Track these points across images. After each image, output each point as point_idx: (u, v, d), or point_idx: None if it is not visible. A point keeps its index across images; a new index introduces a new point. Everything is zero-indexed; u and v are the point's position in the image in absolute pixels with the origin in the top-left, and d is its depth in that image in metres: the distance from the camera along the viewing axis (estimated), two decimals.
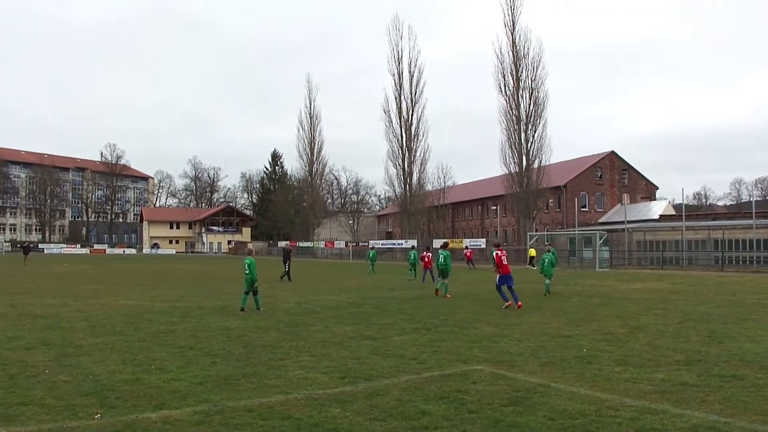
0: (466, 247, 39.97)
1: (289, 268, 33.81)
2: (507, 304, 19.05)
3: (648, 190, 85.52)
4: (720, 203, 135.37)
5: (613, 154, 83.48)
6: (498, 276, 19.52)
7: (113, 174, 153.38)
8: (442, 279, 23.88)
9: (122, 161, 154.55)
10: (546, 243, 53.99)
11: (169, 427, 6.84)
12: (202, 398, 8.10)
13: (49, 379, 9.21)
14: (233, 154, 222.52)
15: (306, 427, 6.84)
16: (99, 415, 7.32)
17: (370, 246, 63.86)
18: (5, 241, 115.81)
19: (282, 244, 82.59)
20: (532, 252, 51.18)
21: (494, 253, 20.37)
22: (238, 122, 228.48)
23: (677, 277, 36.66)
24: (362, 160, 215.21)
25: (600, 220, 76.13)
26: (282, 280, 32.49)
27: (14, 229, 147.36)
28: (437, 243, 76.31)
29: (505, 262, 19.53)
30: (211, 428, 6.81)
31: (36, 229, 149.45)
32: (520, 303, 18.97)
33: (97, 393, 8.37)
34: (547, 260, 24.67)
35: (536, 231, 67.37)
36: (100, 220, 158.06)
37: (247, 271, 18.86)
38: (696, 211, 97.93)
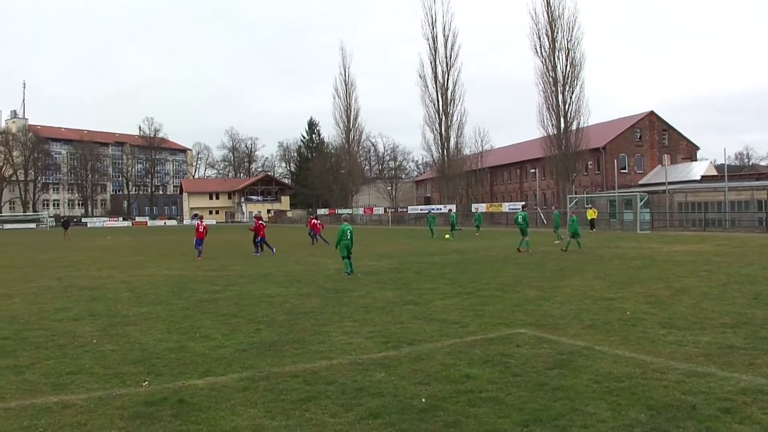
0: (315, 217, 39.73)
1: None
2: (199, 258, 26.50)
3: (689, 151, 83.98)
4: (763, 163, 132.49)
5: (652, 114, 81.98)
6: (195, 239, 27.58)
7: (152, 147, 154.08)
8: (523, 237, 27.87)
9: (160, 135, 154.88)
10: (577, 206, 53.36)
11: (215, 393, 6.94)
12: (247, 365, 8.19)
13: (97, 349, 9.40)
14: (269, 124, 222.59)
15: (351, 391, 6.88)
16: (147, 382, 7.47)
17: (428, 212, 63.23)
18: (49, 217, 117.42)
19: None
20: (592, 213, 50.46)
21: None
22: (271, 94, 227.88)
23: (720, 238, 36.10)
24: (398, 127, 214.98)
25: (640, 182, 75.07)
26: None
27: (57, 205, 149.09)
28: (476, 207, 76.35)
29: (201, 230, 27.71)
30: (256, 394, 6.89)
31: (78, 204, 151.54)
32: (200, 258, 26.46)
33: (143, 361, 8.53)
34: (576, 220, 29.39)
35: (576, 193, 66.67)
36: (141, 193, 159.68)
37: (347, 238, 19.56)
38: (738, 171, 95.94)
